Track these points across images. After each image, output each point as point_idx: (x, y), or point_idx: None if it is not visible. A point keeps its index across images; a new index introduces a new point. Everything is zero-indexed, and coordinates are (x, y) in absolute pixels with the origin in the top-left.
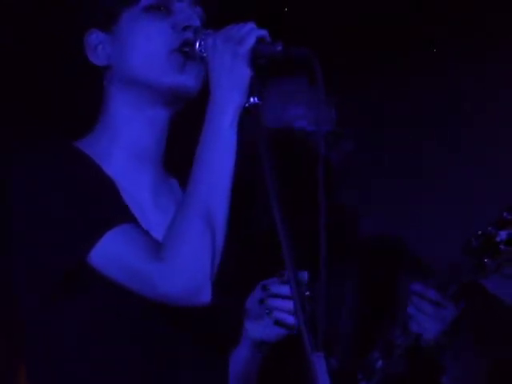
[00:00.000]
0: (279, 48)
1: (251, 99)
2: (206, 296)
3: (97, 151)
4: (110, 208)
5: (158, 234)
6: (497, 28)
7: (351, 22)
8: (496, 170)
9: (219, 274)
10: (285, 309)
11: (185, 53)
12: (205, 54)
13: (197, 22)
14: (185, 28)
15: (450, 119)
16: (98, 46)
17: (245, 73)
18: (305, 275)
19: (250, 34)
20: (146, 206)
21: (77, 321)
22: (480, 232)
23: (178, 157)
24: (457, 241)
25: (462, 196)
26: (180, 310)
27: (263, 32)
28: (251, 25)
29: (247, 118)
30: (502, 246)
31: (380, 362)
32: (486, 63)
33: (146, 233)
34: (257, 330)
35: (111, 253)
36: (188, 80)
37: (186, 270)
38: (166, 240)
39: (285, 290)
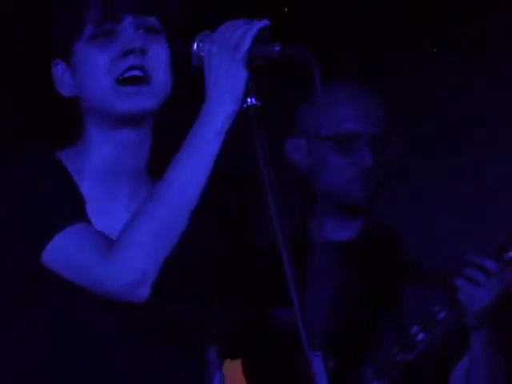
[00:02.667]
0: (277, 48)
1: (249, 100)
2: (142, 294)
3: (73, 165)
4: (65, 211)
5: None
6: (497, 28)
7: (351, 21)
8: (496, 172)
9: (192, 276)
10: None
11: (133, 78)
12: (202, 54)
13: (137, 43)
14: (125, 54)
15: (450, 119)
16: (63, 77)
17: (241, 75)
18: None
19: (246, 36)
20: (118, 219)
21: (47, 321)
22: None
23: (165, 160)
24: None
25: (463, 197)
26: (147, 309)
27: (258, 26)
28: (246, 26)
29: (245, 119)
30: None
31: (421, 335)
32: (486, 63)
33: (99, 233)
34: None
35: (61, 252)
36: (139, 103)
37: (123, 269)
38: (118, 238)
39: None
